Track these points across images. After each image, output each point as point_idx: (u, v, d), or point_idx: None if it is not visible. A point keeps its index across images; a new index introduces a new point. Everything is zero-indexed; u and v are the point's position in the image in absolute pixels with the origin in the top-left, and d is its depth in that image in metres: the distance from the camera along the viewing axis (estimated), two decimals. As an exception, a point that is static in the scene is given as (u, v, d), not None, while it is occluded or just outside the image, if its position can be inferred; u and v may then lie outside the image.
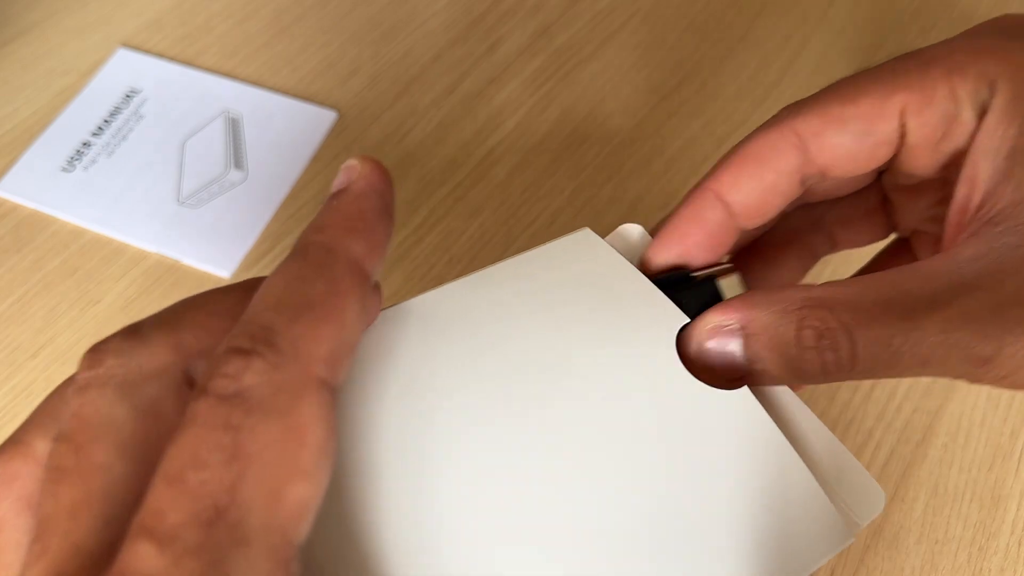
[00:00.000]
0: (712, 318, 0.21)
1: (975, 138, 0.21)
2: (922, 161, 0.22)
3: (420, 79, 0.45)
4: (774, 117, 0.23)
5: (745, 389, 0.21)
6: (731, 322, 0.21)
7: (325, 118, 0.43)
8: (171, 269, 0.39)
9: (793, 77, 0.46)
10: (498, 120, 0.44)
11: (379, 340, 0.20)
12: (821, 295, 0.20)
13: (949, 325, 0.19)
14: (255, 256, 0.39)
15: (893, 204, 0.27)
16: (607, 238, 0.24)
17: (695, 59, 0.46)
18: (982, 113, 0.21)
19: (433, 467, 0.18)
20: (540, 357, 0.20)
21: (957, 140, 0.22)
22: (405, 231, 0.40)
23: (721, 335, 0.21)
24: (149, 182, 0.41)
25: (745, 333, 0.21)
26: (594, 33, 0.47)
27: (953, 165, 0.22)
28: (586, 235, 0.23)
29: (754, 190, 0.23)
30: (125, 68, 0.45)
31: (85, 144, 0.42)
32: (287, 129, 0.43)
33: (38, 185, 0.40)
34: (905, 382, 0.36)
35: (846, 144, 0.22)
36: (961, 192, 0.21)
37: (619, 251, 0.24)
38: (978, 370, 0.19)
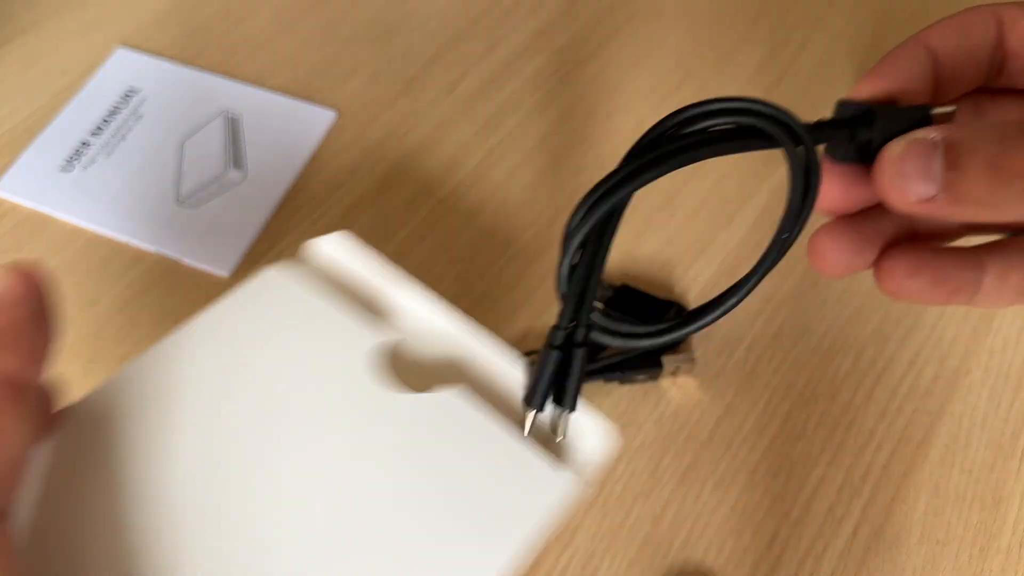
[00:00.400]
0: (916, 133, 0.21)
1: None
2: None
3: (419, 78, 0.45)
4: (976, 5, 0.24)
5: (451, 396, 0.24)
6: (935, 135, 0.21)
7: (324, 118, 0.43)
8: (170, 269, 0.38)
9: (793, 77, 0.46)
10: (498, 120, 0.44)
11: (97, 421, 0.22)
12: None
13: None
14: (254, 256, 0.39)
15: None
16: (296, 265, 0.27)
17: (695, 59, 0.46)
18: None
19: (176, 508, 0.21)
20: (252, 408, 0.23)
21: None
22: (405, 231, 0.40)
23: (923, 146, 0.21)
24: (148, 182, 0.41)
25: (947, 144, 0.20)
26: (594, 33, 0.47)
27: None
28: (270, 276, 0.27)
29: (959, 47, 0.24)
30: (124, 67, 0.45)
31: (84, 144, 0.42)
32: (286, 129, 0.43)
33: (37, 185, 0.40)
34: (905, 382, 0.36)
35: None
36: None
37: (320, 265, 0.27)
38: None
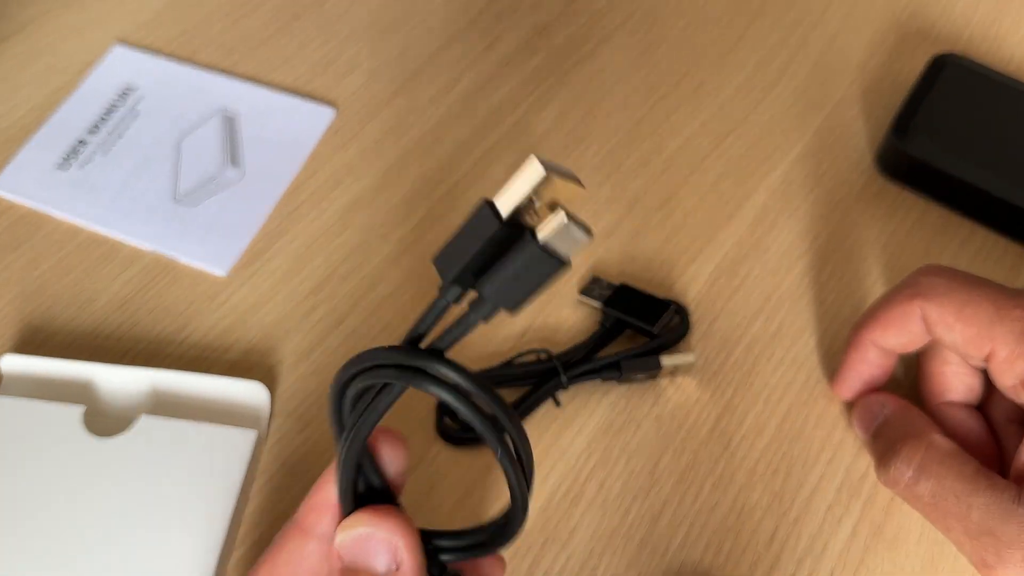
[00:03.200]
0: (884, 400, 0.33)
1: None
2: (999, 381, 0.30)
3: (418, 77, 0.45)
4: (911, 286, 0.31)
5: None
6: (889, 406, 0.32)
7: (323, 115, 0.43)
8: (167, 267, 0.38)
9: (791, 77, 0.46)
10: (497, 118, 0.43)
11: None
12: (935, 440, 0.29)
13: (972, 527, 0.27)
14: (251, 254, 0.39)
15: None
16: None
17: (693, 58, 0.46)
18: None
19: None
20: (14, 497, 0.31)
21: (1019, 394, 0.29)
22: (404, 229, 0.40)
23: (878, 410, 0.32)
24: (145, 180, 0.41)
25: (887, 420, 0.32)
26: (593, 31, 0.47)
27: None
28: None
29: (898, 343, 0.32)
30: (121, 65, 0.44)
31: (81, 142, 0.42)
32: (284, 126, 0.43)
33: (34, 183, 0.40)
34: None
35: (947, 343, 0.30)
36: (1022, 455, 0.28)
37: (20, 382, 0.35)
38: (978, 567, 0.27)
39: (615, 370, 0.34)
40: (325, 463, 0.33)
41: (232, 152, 0.42)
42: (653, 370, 0.35)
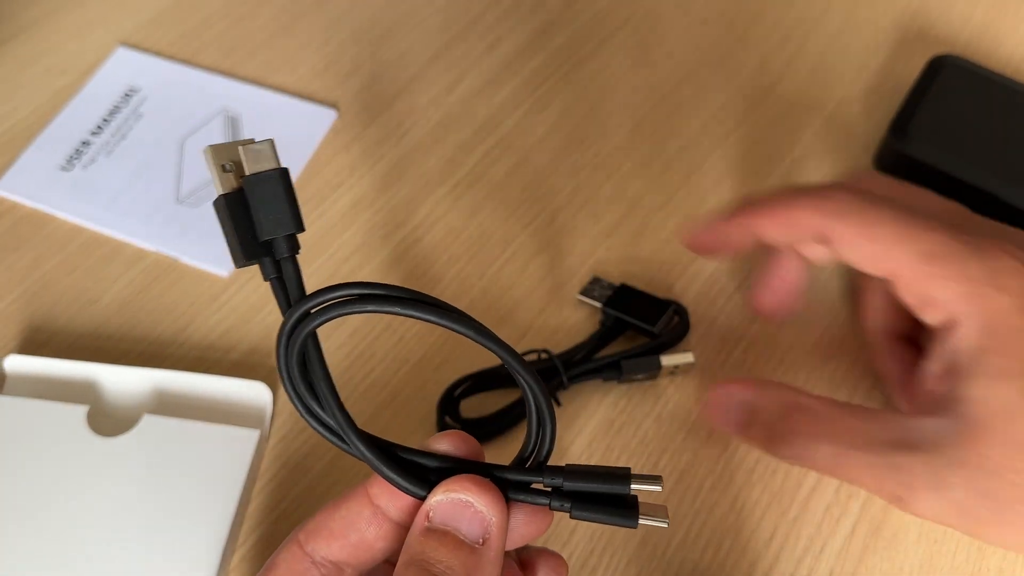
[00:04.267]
0: (731, 391, 0.31)
1: (944, 337, 0.28)
2: (901, 299, 0.29)
3: (419, 78, 0.45)
4: (820, 196, 0.30)
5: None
6: (742, 394, 0.30)
7: (324, 117, 0.43)
8: (170, 268, 0.38)
9: (792, 77, 0.46)
10: (497, 119, 0.44)
11: None
12: (806, 403, 0.29)
13: (880, 467, 0.27)
14: (254, 255, 0.39)
15: None
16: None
17: (694, 60, 0.46)
18: (948, 320, 0.27)
19: None
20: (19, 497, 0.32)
21: (924, 316, 0.29)
22: (404, 230, 0.40)
23: (728, 402, 0.31)
24: (148, 181, 0.41)
25: (752, 408, 0.30)
26: (593, 32, 0.47)
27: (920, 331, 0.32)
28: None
29: (775, 236, 0.31)
30: (124, 67, 0.45)
31: (84, 143, 0.42)
32: (286, 128, 0.43)
33: (37, 184, 0.40)
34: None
35: (851, 260, 0.30)
36: (927, 370, 0.28)
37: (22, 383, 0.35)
38: (895, 504, 0.27)
39: (615, 370, 0.35)
40: (327, 463, 0.34)
41: (234, 153, 0.42)
42: (653, 370, 0.35)
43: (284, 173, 0.21)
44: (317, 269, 0.39)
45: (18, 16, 0.47)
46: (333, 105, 0.44)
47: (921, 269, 0.27)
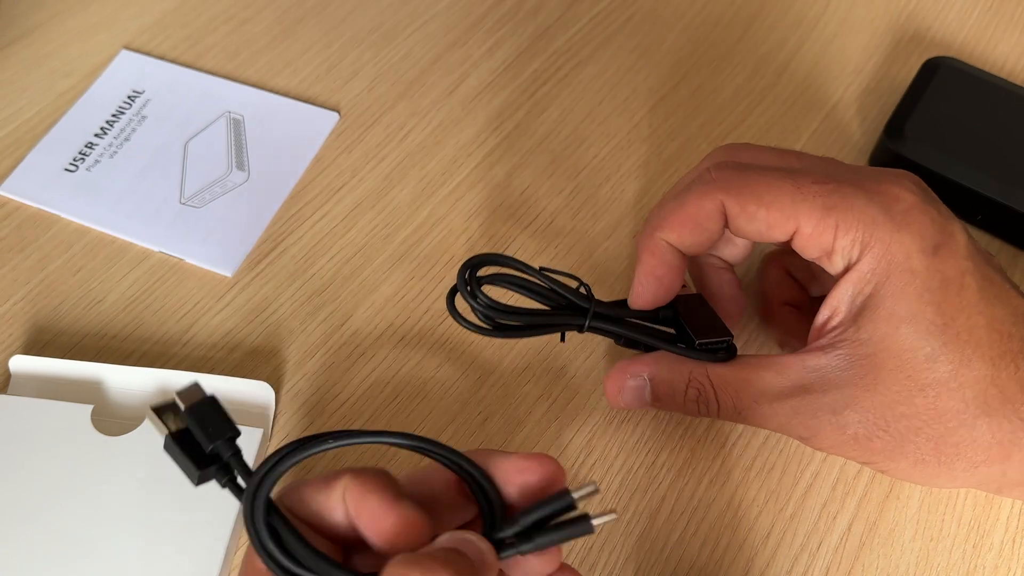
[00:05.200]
0: (633, 369, 0.32)
1: (841, 280, 0.29)
2: (804, 254, 0.30)
3: (420, 80, 0.45)
4: (705, 182, 0.30)
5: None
6: (642, 375, 0.31)
7: (326, 119, 0.44)
8: (174, 268, 0.39)
9: (789, 79, 0.46)
10: (497, 121, 0.44)
11: None
12: (706, 371, 0.30)
13: (782, 413, 0.29)
14: (257, 256, 0.39)
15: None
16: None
17: (692, 61, 0.47)
18: (848, 266, 0.28)
19: None
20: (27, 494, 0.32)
21: (825, 266, 0.29)
22: (405, 231, 0.40)
23: (636, 383, 0.31)
24: (152, 182, 0.41)
25: (652, 383, 0.31)
26: (592, 35, 0.48)
27: (816, 279, 0.34)
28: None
29: (695, 242, 0.31)
30: (128, 69, 0.45)
31: (88, 144, 0.42)
32: (289, 130, 0.43)
33: (41, 185, 0.41)
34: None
35: (750, 232, 0.30)
36: (824, 313, 0.29)
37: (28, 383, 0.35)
38: (802, 442, 0.30)
39: (636, 345, 0.33)
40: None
41: (237, 155, 0.42)
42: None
43: (212, 399, 0.26)
44: (319, 270, 0.39)
45: (23, 19, 0.47)
46: (335, 108, 0.44)
47: (821, 223, 0.28)
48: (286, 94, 0.45)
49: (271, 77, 0.45)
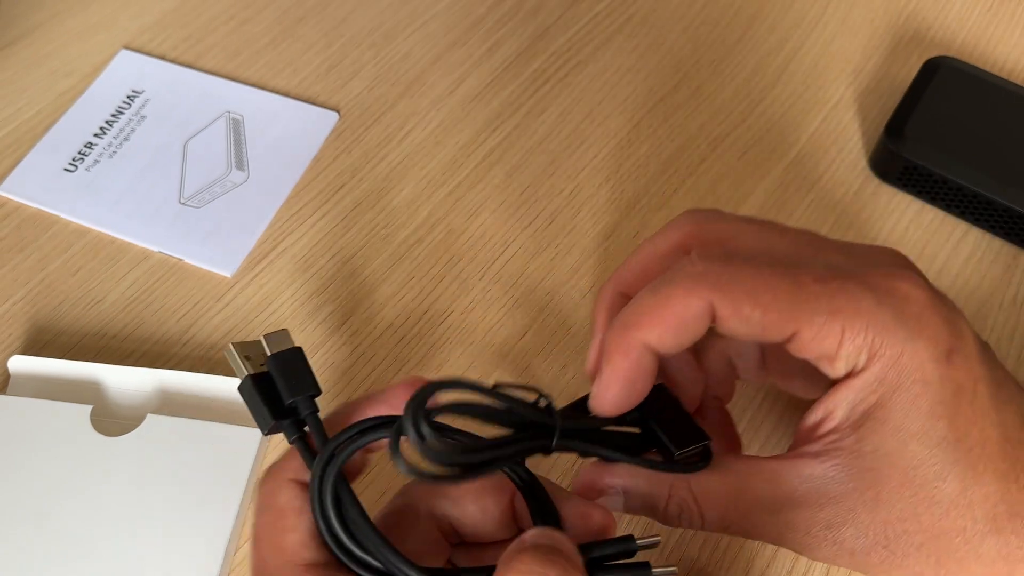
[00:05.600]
0: (606, 482, 0.28)
1: (842, 385, 0.26)
2: (798, 355, 0.27)
3: (420, 80, 0.45)
4: (691, 277, 0.26)
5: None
6: (616, 488, 0.28)
7: (326, 119, 0.44)
8: (173, 268, 0.39)
9: (788, 80, 0.46)
10: (497, 121, 0.44)
11: None
12: (688, 484, 0.27)
13: (774, 528, 0.26)
14: (256, 256, 0.39)
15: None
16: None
17: (692, 62, 0.47)
18: (851, 371, 0.26)
19: None
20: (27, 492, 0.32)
21: (824, 368, 0.26)
22: (405, 231, 0.40)
23: (611, 495, 0.28)
24: (151, 182, 0.41)
25: (628, 496, 0.28)
26: (592, 35, 0.48)
27: (810, 377, 0.28)
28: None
29: (676, 343, 0.27)
30: (128, 69, 0.45)
31: (88, 144, 0.42)
32: (288, 130, 0.43)
33: (41, 185, 0.41)
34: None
35: (741, 334, 0.26)
36: (816, 415, 0.27)
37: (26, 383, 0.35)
38: (799, 553, 0.27)
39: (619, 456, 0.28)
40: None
41: (237, 155, 0.42)
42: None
43: (299, 350, 0.26)
44: (319, 270, 0.39)
45: (23, 19, 0.47)
46: (335, 108, 0.44)
47: (826, 327, 0.25)
48: (286, 94, 0.45)
49: (271, 77, 0.45)
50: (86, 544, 0.31)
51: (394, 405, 0.25)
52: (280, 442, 0.34)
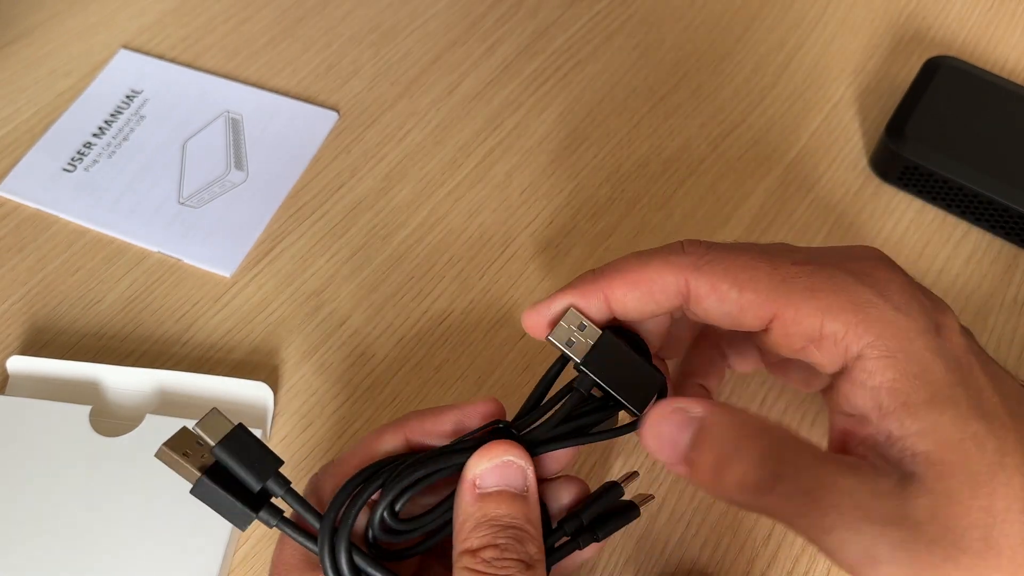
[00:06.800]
0: (681, 401, 0.25)
1: (851, 375, 0.24)
2: (781, 348, 0.25)
3: (420, 80, 0.45)
4: (674, 252, 0.26)
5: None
6: (697, 412, 0.25)
7: (326, 119, 0.44)
8: (172, 268, 0.39)
9: (788, 80, 0.46)
10: (497, 121, 0.44)
11: None
12: (783, 437, 0.24)
13: (854, 534, 0.22)
14: (256, 256, 0.39)
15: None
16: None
17: (692, 61, 0.47)
18: (848, 356, 0.24)
19: None
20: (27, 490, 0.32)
21: (812, 357, 0.25)
22: (405, 231, 0.40)
23: (681, 417, 0.25)
24: (150, 182, 0.41)
25: (702, 426, 0.24)
26: (592, 34, 0.48)
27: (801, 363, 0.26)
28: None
29: (635, 308, 0.26)
30: (127, 69, 0.45)
31: (87, 144, 0.42)
32: (288, 130, 0.43)
33: (40, 185, 0.41)
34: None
35: (719, 316, 0.25)
36: (844, 420, 0.24)
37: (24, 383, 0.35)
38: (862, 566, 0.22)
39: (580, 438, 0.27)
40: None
41: (236, 155, 0.42)
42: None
43: (242, 426, 0.24)
44: (318, 270, 0.39)
45: (22, 19, 0.47)
46: (334, 107, 0.44)
47: (806, 306, 0.24)
48: (285, 93, 0.44)
49: (270, 77, 0.45)
50: (85, 544, 0.31)
51: (350, 464, 0.26)
52: (279, 444, 0.34)
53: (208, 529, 0.31)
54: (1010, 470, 0.23)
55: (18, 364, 0.35)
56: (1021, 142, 0.41)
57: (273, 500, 0.24)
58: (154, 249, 0.39)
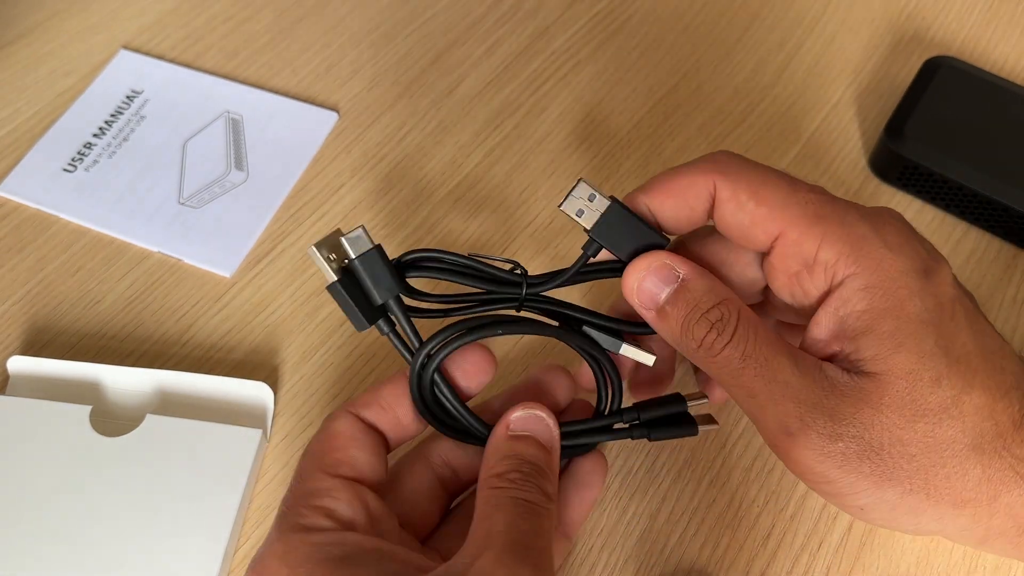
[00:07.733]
0: (668, 259, 0.28)
1: (833, 296, 0.26)
2: (778, 273, 0.28)
3: (419, 80, 0.45)
4: (706, 161, 0.29)
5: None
6: (682, 270, 0.28)
7: (325, 119, 0.44)
8: (172, 269, 0.39)
9: (788, 80, 0.46)
10: (497, 121, 0.44)
11: None
12: (750, 317, 0.27)
13: (781, 397, 0.26)
14: (256, 256, 0.39)
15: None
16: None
17: (691, 61, 0.47)
18: (832, 282, 0.26)
19: None
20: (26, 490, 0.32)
21: (805, 284, 0.27)
22: (405, 231, 0.40)
23: (663, 276, 0.28)
24: (151, 182, 0.41)
25: (683, 285, 0.28)
26: (592, 35, 0.48)
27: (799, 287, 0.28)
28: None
29: (673, 216, 0.29)
30: (127, 69, 0.45)
31: (87, 145, 0.42)
32: (288, 130, 0.43)
33: (40, 185, 0.41)
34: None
35: (732, 226, 0.28)
36: (817, 331, 0.27)
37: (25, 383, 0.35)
38: (780, 442, 0.26)
39: (571, 333, 0.30)
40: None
41: (236, 155, 0.42)
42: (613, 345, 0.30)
43: (380, 249, 0.27)
44: (318, 271, 0.39)
45: (22, 20, 0.47)
46: (334, 107, 0.44)
47: (809, 230, 0.26)
48: (285, 94, 0.45)
49: (270, 77, 0.45)
50: (86, 544, 0.31)
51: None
52: (279, 444, 0.34)
53: (208, 529, 0.31)
54: (965, 407, 0.25)
55: (18, 364, 0.35)
56: (1020, 142, 0.41)
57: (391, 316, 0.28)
58: (154, 249, 0.39)
